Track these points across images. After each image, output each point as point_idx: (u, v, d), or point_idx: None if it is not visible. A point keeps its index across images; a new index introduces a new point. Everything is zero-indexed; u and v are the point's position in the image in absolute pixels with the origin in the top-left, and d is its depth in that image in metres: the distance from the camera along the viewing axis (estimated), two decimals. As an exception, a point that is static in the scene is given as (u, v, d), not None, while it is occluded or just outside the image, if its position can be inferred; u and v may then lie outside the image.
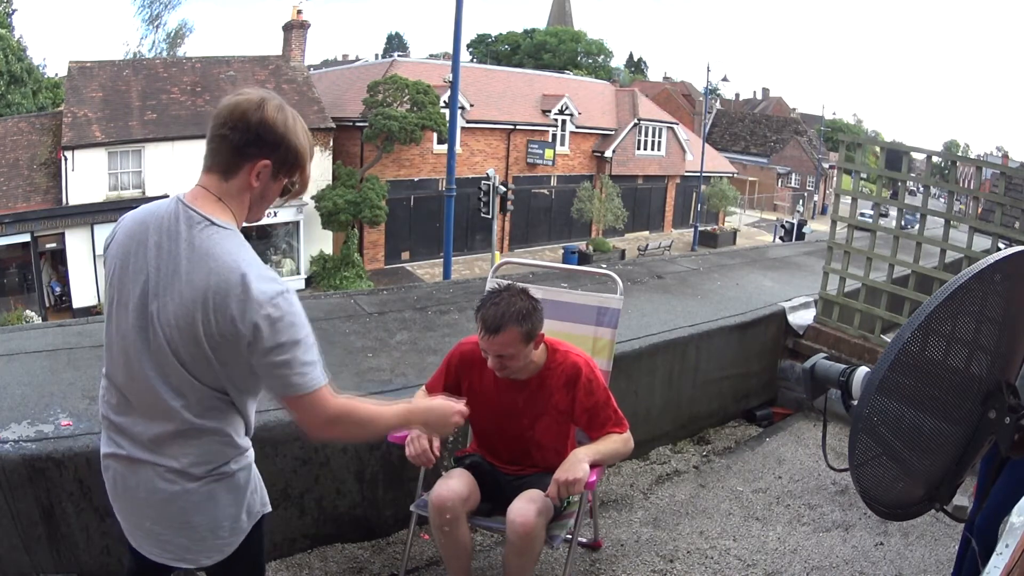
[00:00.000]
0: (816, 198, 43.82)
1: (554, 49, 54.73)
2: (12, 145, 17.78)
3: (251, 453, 1.57)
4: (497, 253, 18.72)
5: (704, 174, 29.47)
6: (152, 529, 1.51)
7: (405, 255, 22.77)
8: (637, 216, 28.81)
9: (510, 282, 2.32)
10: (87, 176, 17.26)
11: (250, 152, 1.40)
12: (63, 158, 17.09)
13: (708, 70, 48.75)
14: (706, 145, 31.43)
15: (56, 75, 29.73)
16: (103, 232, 17.37)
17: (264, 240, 20.05)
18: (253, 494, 1.57)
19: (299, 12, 21.51)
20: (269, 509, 1.62)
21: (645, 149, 28.70)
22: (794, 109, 57.41)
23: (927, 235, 4.00)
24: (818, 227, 29.43)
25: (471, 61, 46.37)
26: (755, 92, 65.88)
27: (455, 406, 1.73)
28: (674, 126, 29.79)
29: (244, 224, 1.51)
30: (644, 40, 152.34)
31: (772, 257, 6.49)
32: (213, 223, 1.40)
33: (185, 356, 1.39)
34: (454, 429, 1.76)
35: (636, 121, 27.73)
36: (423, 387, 2.42)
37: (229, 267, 1.36)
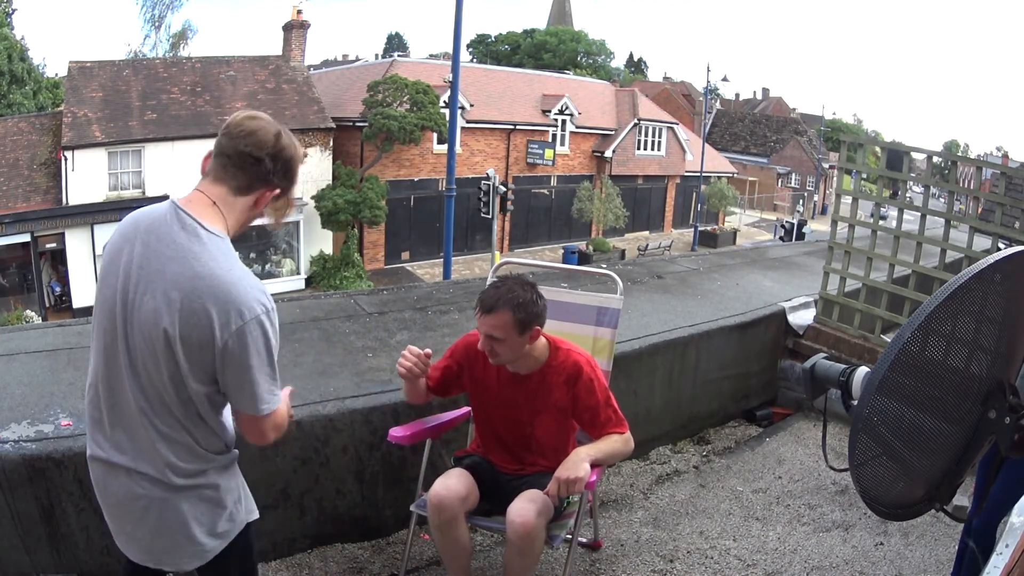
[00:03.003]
0: (816, 198, 43.81)
1: (554, 49, 54.70)
2: (12, 145, 17.78)
3: (234, 466, 1.56)
4: (497, 253, 18.72)
5: (704, 174, 29.48)
6: (133, 532, 1.51)
7: (405, 255, 22.77)
8: (637, 216, 28.81)
9: (520, 274, 2.33)
10: (87, 176, 17.26)
11: (273, 180, 1.47)
12: (63, 158, 17.08)
13: (708, 70, 48.87)
14: (706, 145, 31.42)
15: (56, 75, 29.73)
16: (103, 232, 17.38)
17: (264, 240, 20.05)
18: (236, 503, 1.56)
19: (299, 12, 21.50)
20: (256, 516, 1.62)
21: (645, 149, 28.70)
22: (794, 109, 57.41)
23: (927, 235, 4.00)
24: (818, 227, 29.45)
25: (471, 61, 46.36)
26: (755, 92, 65.92)
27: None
28: (674, 126, 29.78)
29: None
30: (644, 40, 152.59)
31: (772, 257, 6.49)
32: (205, 228, 1.40)
33: (161, 357, 1.39)
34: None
35: (636, 121, 27.72)
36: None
37: (216, 276, 1.37)
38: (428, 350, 2.27)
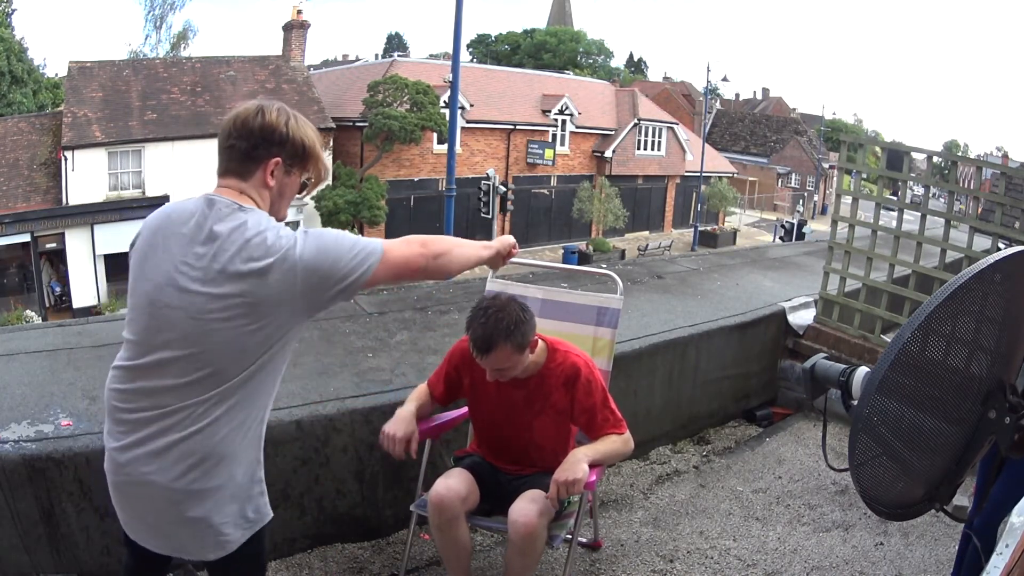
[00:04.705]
0: (816, 198, 43.80)
1: (554, 49, 54.72)
2: (12, 145, 17.78)
3: (257, 462, 1.56)
4: (497, 253, 18.66)
5: (704, 174, 29.47)
6: (155, 523, 1.52)
7: (405, 255, 22.74)
8: (637, 216, 28.80)
9: (497, 292, 2.29)
10: (87, 176, 17.25)
11: (259, 154, 1.49)
12: (63, 158, 17.08)
13: (708, 70, 48.71)
14: (706, 145, 31.42)
15: (56, 75, 29.72)
16: (103, 232, 17.37)
17: (264, 240, 20.02)
18: (261, 496, 1.57)
19: (299, 12, 21.52)
20: (270, 515, 1.61)
21: (645, 149, 28.69)
22: (794, 109, 57.38)
23: (927, 235, 4.00)
24: (818, 227, 29.45)
25: (471, 61, 46.36)
26: (755, 92, 65.88)
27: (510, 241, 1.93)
28: (674, 126, 29.78)
29: None
30: (644, 40, 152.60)
31: (772, 257, 6.49)
32: (240, 206, 1.46)
33: (207, 337, 1.41)
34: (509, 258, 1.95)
35: (636, 121, 27.73)
36: (425, 383, 2.42)
37: (254, 237, 1.42)
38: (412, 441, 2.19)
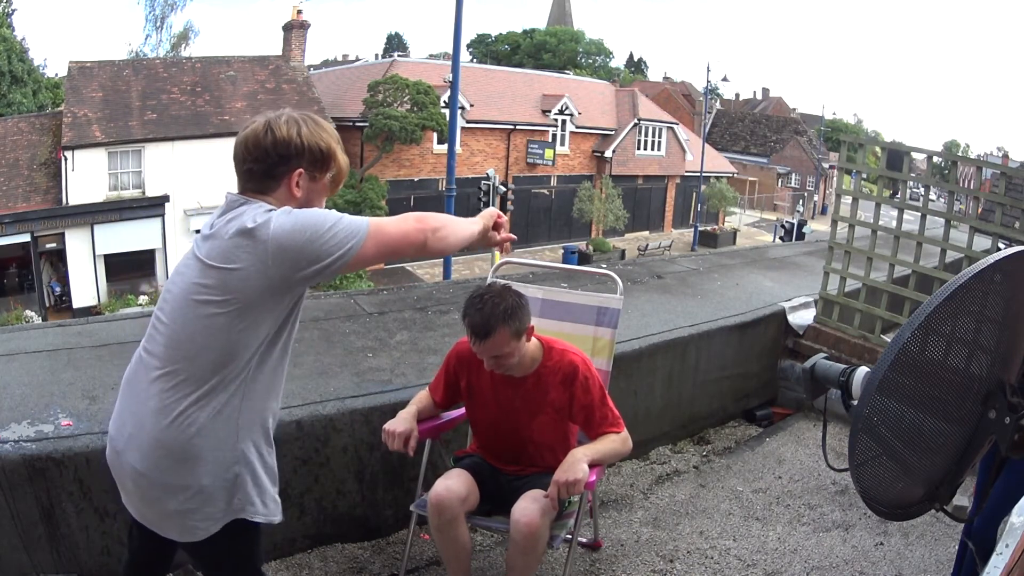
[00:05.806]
0: (816, 198, 43.79)
1: (554, 49, 54.74)
2: (12, 145, 17.79)
3: (241, 459, 1.58)
4: (497, 253, 18.66)
5: (704, 174, 29.48)
6: (138, 506, 1.58)
7: (405, 255, 22.75)
8: (637, 216, 28.82)
9: (492, 281, 2.30)
10: (87, 176, 17.26)
11: (279, 172, 1.48)
12: (63, 158, 17.09)
13: (708, 70, 48.88)
14: (706, 145, 31.43)
15: (56, 75, 29.73)
16: (103, 232, 17.38)
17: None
18: (236, 488, 1.57)
19: (299, 12, 21.52)
20: (246, 517, 1.60)
21: (645, 149, 28.70)
22: (794, 109, 57.32)
23: (927, 235, 4.00)
24: (818, 227, 29.44)
25: (471, 61, 46.35)
26: (755, 92, 65.82)
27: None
28: (674, 126, 29.79)
29: None
30: (644, 40, 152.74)
31: (772, 257, 6.48)
32: (245, 200, 1.48)
33: (182, 315, 1.45)
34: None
35: (636, 121, 27.74)
36: (427, 388, 2.43)
37: (247, 211, 1.45)
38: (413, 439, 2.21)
